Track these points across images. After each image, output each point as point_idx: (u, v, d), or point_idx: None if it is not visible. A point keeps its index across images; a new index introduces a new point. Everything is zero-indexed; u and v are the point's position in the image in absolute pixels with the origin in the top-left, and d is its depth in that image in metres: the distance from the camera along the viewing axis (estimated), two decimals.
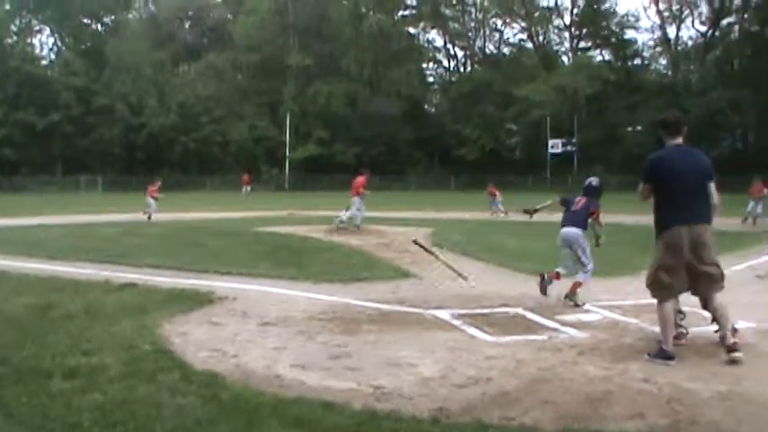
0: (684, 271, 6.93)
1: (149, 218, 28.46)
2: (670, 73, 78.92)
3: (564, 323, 8.64)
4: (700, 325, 8.42)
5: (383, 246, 18.28)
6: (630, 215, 26.14)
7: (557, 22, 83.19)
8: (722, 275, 7.11)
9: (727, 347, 6.86)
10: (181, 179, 64.82)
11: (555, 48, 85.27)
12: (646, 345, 7.47)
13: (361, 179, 24.06)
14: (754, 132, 68.49)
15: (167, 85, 77.41)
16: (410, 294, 10.82)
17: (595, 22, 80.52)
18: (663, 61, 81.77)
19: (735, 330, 7.24)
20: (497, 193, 32.60)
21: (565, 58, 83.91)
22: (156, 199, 29.55)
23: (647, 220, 7.67)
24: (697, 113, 59.88)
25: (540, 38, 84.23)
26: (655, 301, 7.14)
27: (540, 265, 12.04)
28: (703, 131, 61.97)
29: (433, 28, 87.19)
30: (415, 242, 11.43)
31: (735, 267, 13.61)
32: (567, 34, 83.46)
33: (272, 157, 76.08)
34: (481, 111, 75.38)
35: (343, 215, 23.82)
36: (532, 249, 16.36)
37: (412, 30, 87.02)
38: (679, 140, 7.06)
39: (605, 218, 10.66)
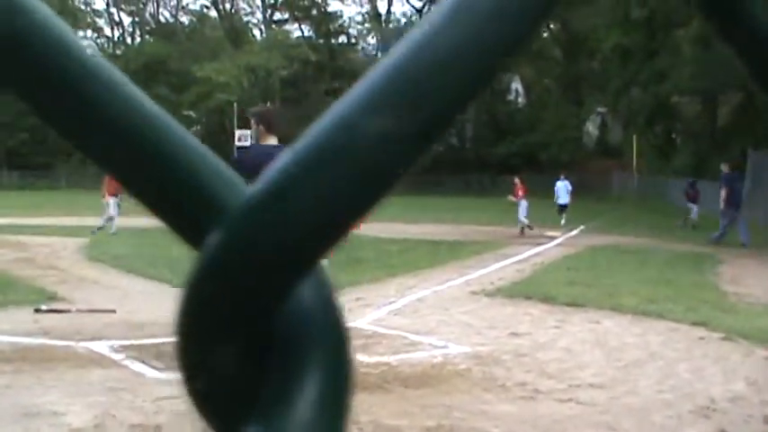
0: None
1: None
2: (380, 54, 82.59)
3: None
4: (407, 351, 8.94)
5: (23, 261, 17.38)
6: None
7: None
8: None
9: None
10: None
11: (245, 19, 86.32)
12: None
13: None
14: (473, 126, 73.72)
15: None
16: (59, 323, 10.39)
17: None
18: (372, 40, 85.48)
19: None
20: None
21: (257, 32, 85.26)
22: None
23: None
24: None
25: (227, 6, 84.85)
26: None
27: None
28: None
29: None
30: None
31: (450, 283, 14.60)
32: (259, 2, 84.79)
33: None
34: (154, 93, 73.95)
35: (105, 222, 24.60)
36: None
37: None
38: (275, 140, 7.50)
39: None
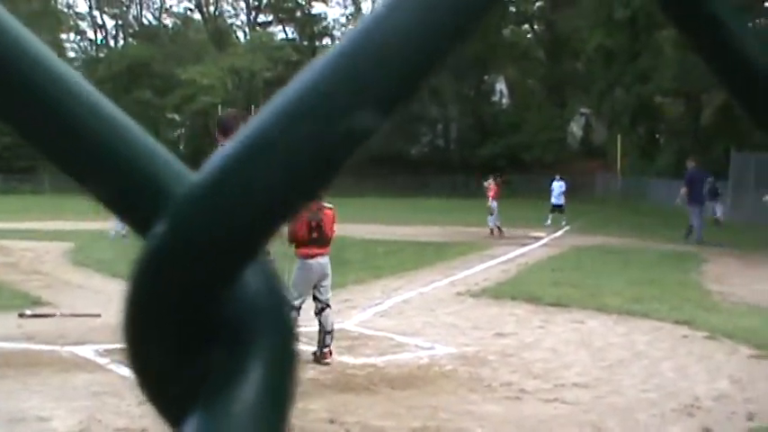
0: None
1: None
2: None
3: None
4: (393, 353, 8.95)
5: (7, 266, 17.29)
6: None
7: None
8: None
9: None
10: None
11: (229, 21, 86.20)
12: (333, 378, 7.75)
13: None
14: (457, 126, 73.69)
15: None
16: (43, 327, 10.34)
17: None
18: None
19: None
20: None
21: (241, 35, 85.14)
22: None
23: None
24: None
25: (211, 8, 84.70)
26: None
27: None
28: (402, 125, 65.98)
29: None
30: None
31: (436, 284, 14.62)
32: (243, 5, 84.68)
33: None
34: (137, 96, 74.15)
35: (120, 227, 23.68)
36: None
37: None
38: None
39: None
